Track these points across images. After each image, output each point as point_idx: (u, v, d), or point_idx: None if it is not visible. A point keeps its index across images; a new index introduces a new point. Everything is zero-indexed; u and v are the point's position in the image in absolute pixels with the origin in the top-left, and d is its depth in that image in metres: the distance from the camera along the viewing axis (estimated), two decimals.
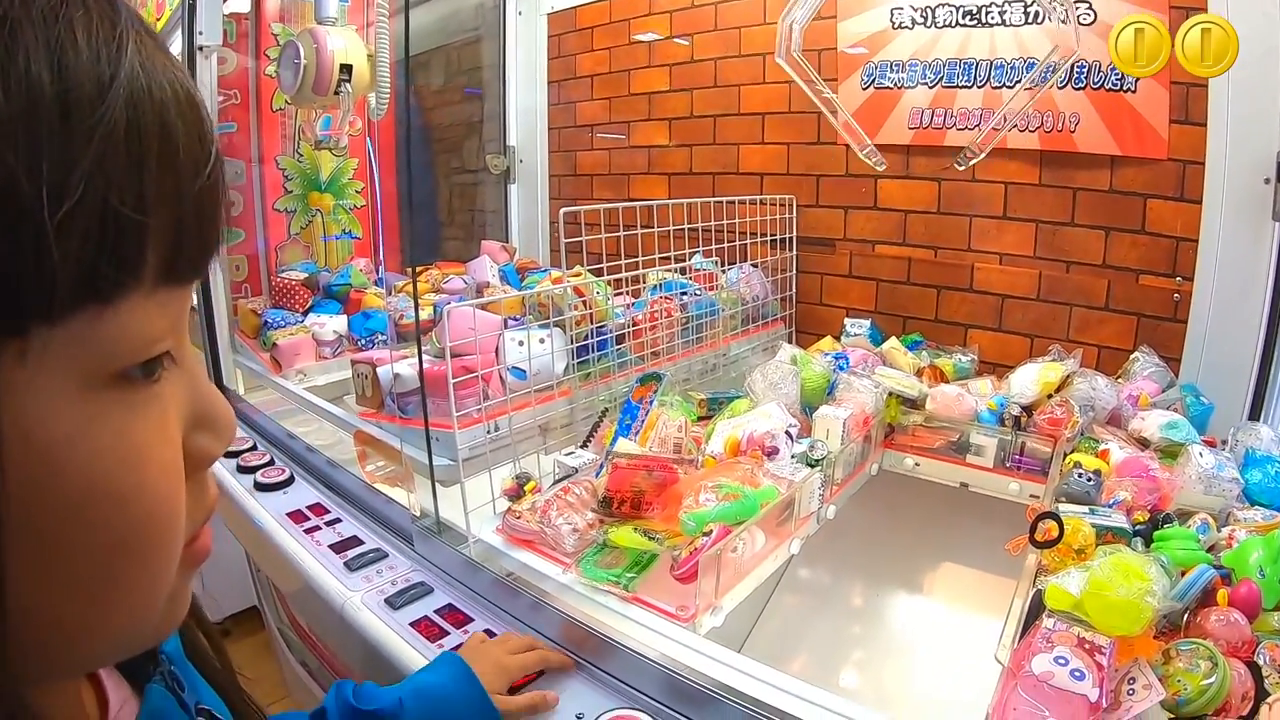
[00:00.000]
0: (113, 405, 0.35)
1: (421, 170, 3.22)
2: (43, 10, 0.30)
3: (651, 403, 1.48)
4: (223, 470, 1.68)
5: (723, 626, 1.11)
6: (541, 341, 1.54)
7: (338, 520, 1.52)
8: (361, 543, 1.42)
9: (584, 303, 1.63)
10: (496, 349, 1.53)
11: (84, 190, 0.30)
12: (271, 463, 1.74)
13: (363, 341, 2.23)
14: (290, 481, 1.67)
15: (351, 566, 1.34)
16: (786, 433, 1.42)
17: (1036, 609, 1.01)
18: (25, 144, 0.29)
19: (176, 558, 0.40)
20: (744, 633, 1.45)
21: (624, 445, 1.40)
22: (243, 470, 1.71)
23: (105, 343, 0.34)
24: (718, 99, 2.53)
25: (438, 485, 1.33)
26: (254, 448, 1.84)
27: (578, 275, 1.66)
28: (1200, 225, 1.71)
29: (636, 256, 1.75)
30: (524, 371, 1.51)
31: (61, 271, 0.31)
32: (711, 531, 1.11)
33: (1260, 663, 0.91)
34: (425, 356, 1.37)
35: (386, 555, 1.38)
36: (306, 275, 2.51)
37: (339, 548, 1.41)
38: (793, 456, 1.40)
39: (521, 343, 1.52)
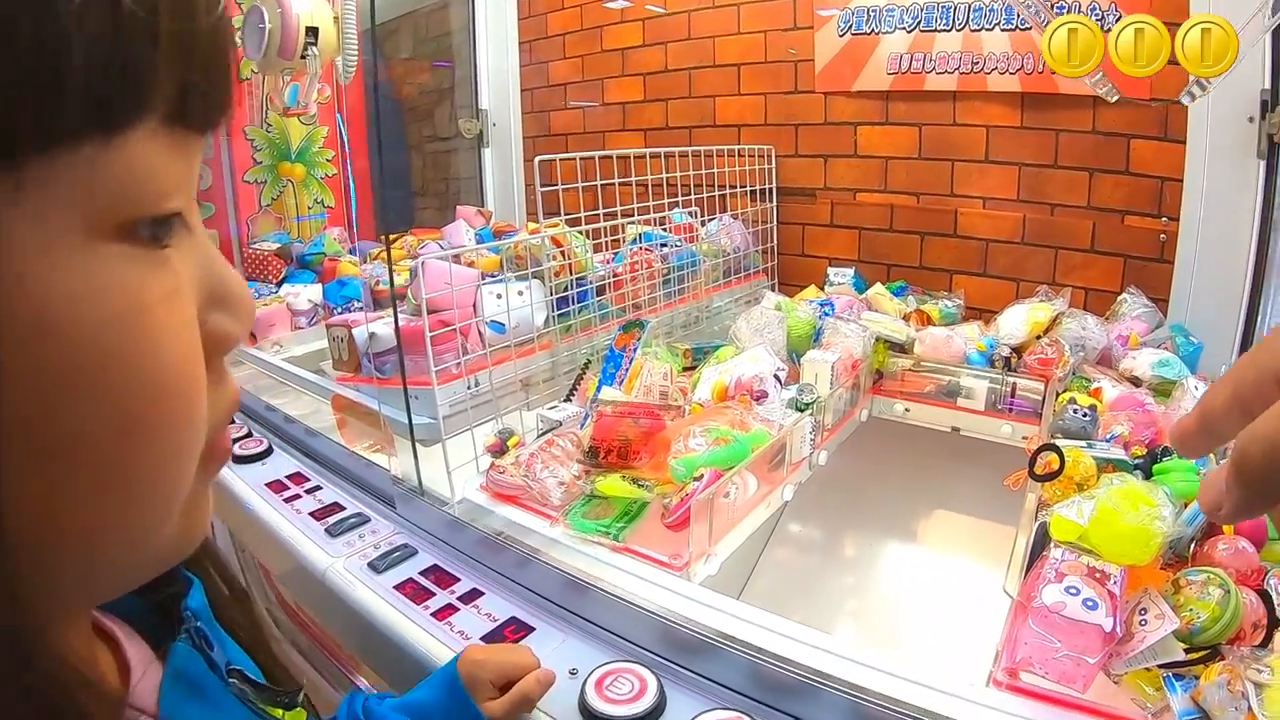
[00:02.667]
0: (121, 263, 0.31)
1: (392, 138, 3.17)
2: None
3: (635, 350, 1.45)
4: None
5: (717, 576, 1.08)
6: (520, 294, 1.51)
7: (318, 488, 1.48)
8: (343, 509, 1.39)
9: (562, 253, 1.60)
10: (474, 303, 1.49)
11: None
12: (249, 435, 1.70)
13: (338, 310, 2.19)
14: (269, 452, 1.63)
15: (333, 533, 1.30)
16: (775, 376, 1.40)
17: (1041, 543, 0.99)
18: None
19: (196, 448, 0.36)
20: (739, 585, 1.44)
21: (609, 393, 1.37)
22: None
23: (110, 184, 0.30)
24: (692, 52, 2.50)
25: (418, 445, 1.29)
26: (230, 420, 1.78)
27: (554, 226, 1.62)
28: (1185, 165, 1.71)
29: (614, 209, 1.72)
30: (503, 325, 1.48)
31: (68, 87, 0.27)
32: (703, 476, 1.08)
33: (1271, 591, 0.89)
34: (401, 314, 1.34)
35: (369, 520, 1.34)
36: (279, 246, 2.49)
37: (319, 514, 1.37)
38: (782, 401, 1.37)
39: (499, 296, 1.49)
